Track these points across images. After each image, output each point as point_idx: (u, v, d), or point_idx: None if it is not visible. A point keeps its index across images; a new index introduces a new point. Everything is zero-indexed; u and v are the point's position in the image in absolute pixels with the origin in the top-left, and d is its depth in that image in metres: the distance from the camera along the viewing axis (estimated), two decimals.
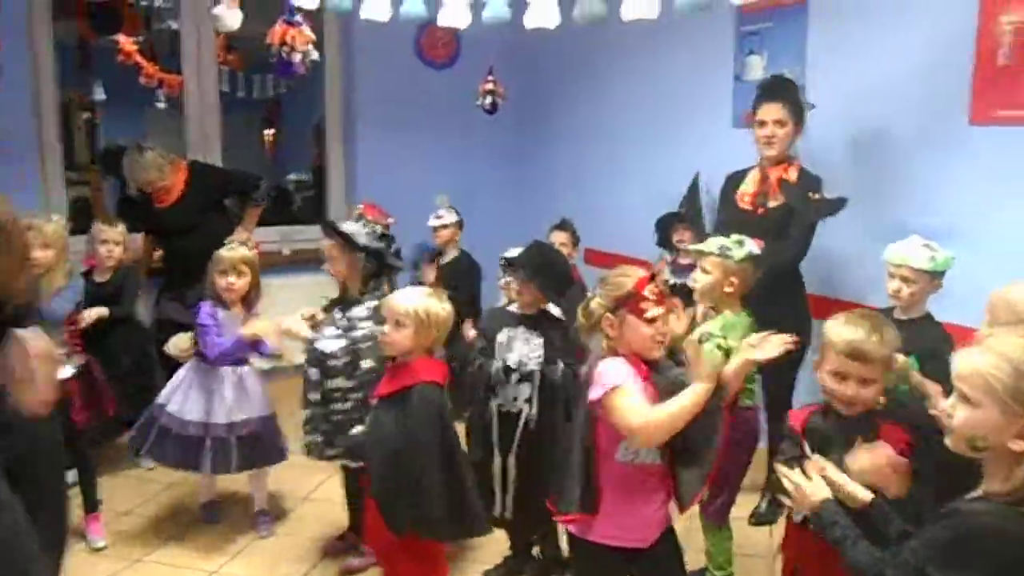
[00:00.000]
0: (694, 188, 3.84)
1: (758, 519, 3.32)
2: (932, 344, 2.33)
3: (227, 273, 3.11)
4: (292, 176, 7.02)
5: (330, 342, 2.78)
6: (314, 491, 3.63)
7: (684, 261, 3.78)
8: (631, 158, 4.60)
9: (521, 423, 2.58)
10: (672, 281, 3.86)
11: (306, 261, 4.91)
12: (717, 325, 2.57)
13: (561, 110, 5.15)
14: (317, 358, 2.79)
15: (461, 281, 4.25)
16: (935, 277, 2.52)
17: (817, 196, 3.16)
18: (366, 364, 2.72)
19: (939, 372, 2.28)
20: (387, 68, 5.03)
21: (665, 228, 3.95)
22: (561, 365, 2.60)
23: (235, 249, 3.17)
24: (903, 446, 1.81)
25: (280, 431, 3.24)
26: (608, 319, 2.04)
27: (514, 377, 2.60)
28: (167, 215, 3.97)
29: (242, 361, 3.17)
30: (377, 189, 4.49)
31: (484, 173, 5.28)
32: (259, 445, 3.16)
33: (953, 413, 1.36)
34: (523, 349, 2.61)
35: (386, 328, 2.35)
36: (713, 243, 2.64)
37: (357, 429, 2.66)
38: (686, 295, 3.73)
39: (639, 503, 2.04)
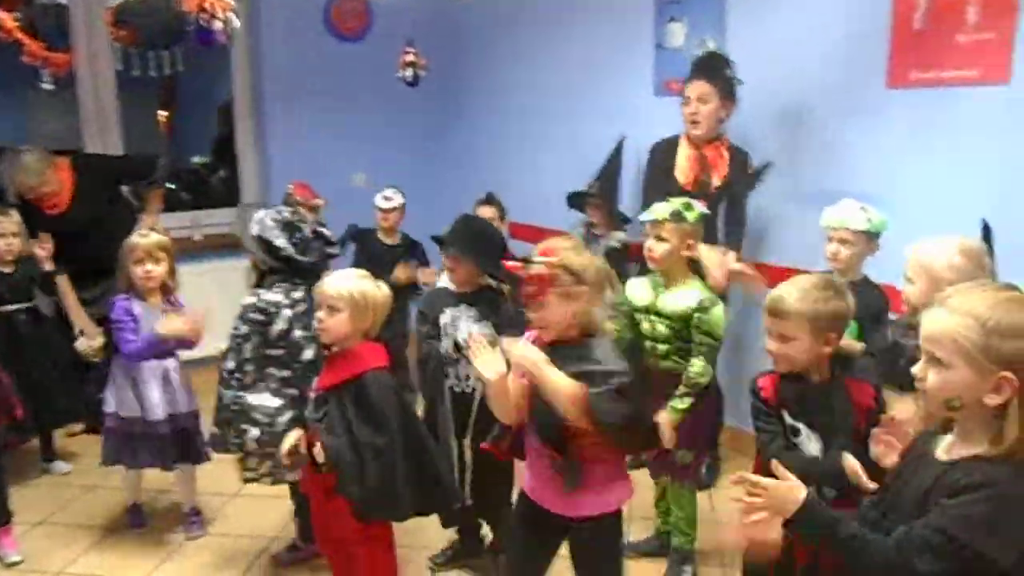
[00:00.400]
0: (617, 153, 3.82)
1: (698, 484, 3.36)
2: (874, 308, 2.38)
3: (144, 261, 2.93)
4: (196, 159, 6.70)
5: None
6: (245, 486, 3.46)
7: (598, 232, 3.81)
8: (554, 128, 4.55)
9: (476, 403, 2.52)
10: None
11: (219, 247, 4.71)
12: (704, 288, 2.60)
13: (480, 81, 5.06)
14: (227, 348, 2.69)
15: (416, 259, 4.17)
16: (872, 239, 2.58)
17: (751, 170, 3.22)
18: (230, 364, 2.62)
19: (880, 335, 2.36)
20: (296, 43, 4.83)
21: (575, 204, 3.93)
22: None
23: (149, 235, 2.99)
24: (870, 401, 1.83)
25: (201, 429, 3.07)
26: None
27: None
28: (61, 222, 3.60)
29: (166, 355, 2.99)
30: (293, 169, 4.34)
31: (404, 149, 5.14)
32: (186, 442, 3.02)
33: (924, 376, 1.36)
34: (471, 327, 2.54)
35: (320, 315, 2.25)
36: (662, 209, 2.61)
37: (253, 433, 2.60)
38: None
39: (548, 474, 1.99)
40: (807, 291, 1.87)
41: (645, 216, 2.65)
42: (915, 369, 1.38)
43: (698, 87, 3.22)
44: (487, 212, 3.94)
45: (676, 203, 2.61)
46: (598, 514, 1.98)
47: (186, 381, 3.05)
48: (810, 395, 1.90)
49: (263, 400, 2.64)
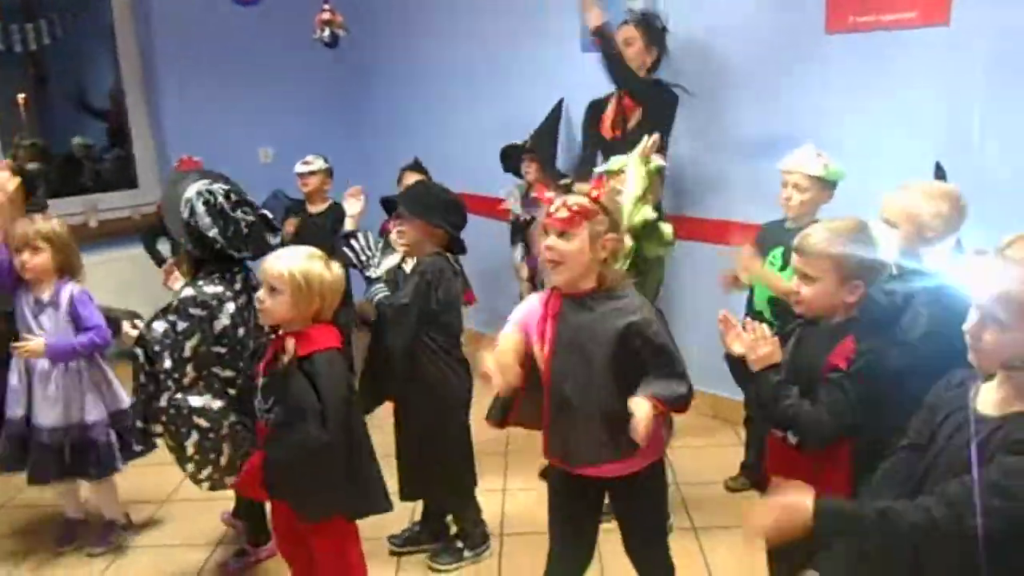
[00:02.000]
0: (556, 114, 3.70)
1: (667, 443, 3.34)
2: None
3: (20, 250, 2.66)
4: (77, 140, 6.16)
5: (159, 323, 2.39)
6: (175, 490, 3.20)
7: (536, 195, 3.68)
8: (479, 90, 4.38)
9: None
10: (523, 216, 3.74)
11: (117, 233, 4.33)
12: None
13: (397, 44, 4.81)
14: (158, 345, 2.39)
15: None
16: (826, 187, 2.54)
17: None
18: (166, 364, 2.34)
19: None
20: (188, 9, 4.44)
21: (510, 159, 3.81)
22: None
23: (35, 222, 2.70)
24: (839, 359, 1.75)
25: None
26: None
27: None
28: None
29: (67, 353, 2.70)
30: (194, 147, 4.00)
31: (318, 119, 4.86)
32: (89, 451, 2.74)
33: (979, 335, 1.29)
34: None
35: (261, 294, 2.05)
36: (619, 161, 2.53)
37: (194, 438, 2.37)
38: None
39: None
40: (835, 232, 1.77)
41: (600, 168, 2.56)
42: (967, 326, 1.31)
43: (624, 31, 3.24)
44: (413, 178, 3.74)
45: (633, 155, 2.51)
46: (628, 473, 1.89)
47: (94, 383, 2.76)
48: (806, 334, 1.86)
49: (206, 402, 2.38)
